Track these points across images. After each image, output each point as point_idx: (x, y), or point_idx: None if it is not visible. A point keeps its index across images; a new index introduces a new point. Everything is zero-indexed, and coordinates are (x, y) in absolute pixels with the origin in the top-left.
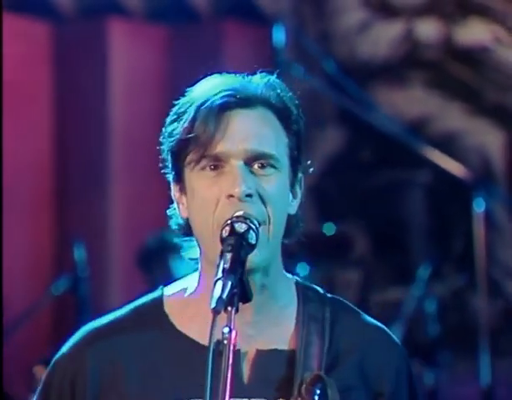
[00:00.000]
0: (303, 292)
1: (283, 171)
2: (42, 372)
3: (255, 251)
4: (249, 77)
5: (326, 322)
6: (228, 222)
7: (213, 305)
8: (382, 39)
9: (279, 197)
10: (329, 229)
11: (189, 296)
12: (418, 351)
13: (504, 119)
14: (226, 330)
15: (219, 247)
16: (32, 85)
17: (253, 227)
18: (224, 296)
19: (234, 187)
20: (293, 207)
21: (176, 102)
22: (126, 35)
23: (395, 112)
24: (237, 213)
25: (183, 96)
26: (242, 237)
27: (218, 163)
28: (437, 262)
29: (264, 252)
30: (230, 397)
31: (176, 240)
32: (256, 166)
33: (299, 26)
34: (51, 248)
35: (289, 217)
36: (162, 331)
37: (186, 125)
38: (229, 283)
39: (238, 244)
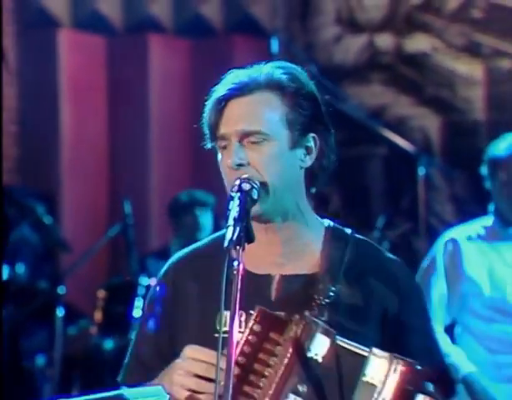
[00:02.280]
0: (332, 232)
1: (278, 138)
2: (103, 294)
3: (257, 204)
4: (261, 65)
5: (347, 253)
6: (237, 181)
7: (226, 245)
8: (351, 48)
9: (272, 161)
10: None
11: None
12: None
13: (440, 108)
14: (235, 263)
15: None
16: (91, 85)
17: (255, 186)
18: (234, 238)
19: (229, 160)
20: (306, 161)
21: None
22: (160, 46)
23: (361, 102)
24: (243, 176)
25: (205, 93)
26: (247, 193)
27: (225, 142)
28: (390, 214)
29: (264, 206)
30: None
31: (202, 196)
32: (247, 141)
33: (290, 38)
34: (106, 203)
35: (306, 169)
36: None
37: (205, 115)
38: (237, 229)
39: (243, 199)
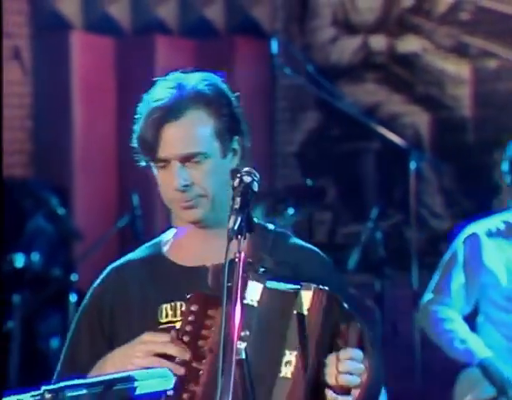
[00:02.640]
0: (256, 226)
1: (213, 153)
2: None
3: (198, 212)
4: (184, 78)
5: (269, 243)
6: (238, 175)
7: (228, 234)
8: (346, 49)
9: (212, 175)
10: (309, 183)
11: (174, 237)
12: (370, 267)
13: (430, 105)
14: (237, 254)
15: (176, 214)
16: (100, 83)
17: (256, 179)
18: (236, 228)
19: (174, 182)
20: (234, 162)
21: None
22: (166, 46)
23: (355, 100)
24: (245, 169)
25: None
26: (248, 185)
27: (164, 164)
28: (383, 205)
29: (206, 215)
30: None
31: None
32: (188, 162)
33: (289, 39)
34: (115, 196)
35: (233, 169)
36: (159, 262)
37: (136, 136)
38: (239, 219)
39: (245, 191)
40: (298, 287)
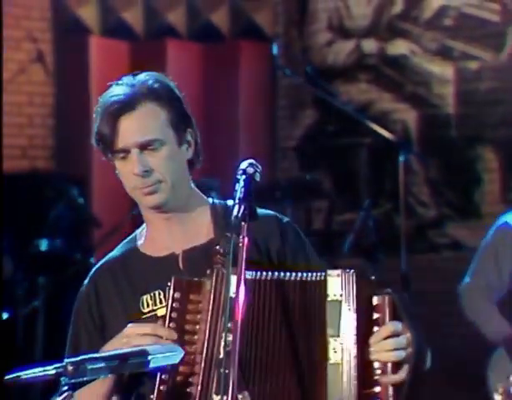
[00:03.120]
0: (215, 206)
1: (168, 141)
2: None
3: (157, 197)
4: (134, 78)
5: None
6: (241, 167)
7: (233, 221)
8: (341, 51)
9: (169, 161)
10: (308, 175)
11: (146, 230)
12: (363, 252)
13: (417, 103)
14: (241, 237)
15: (139, 201)
16: None
17: (258, 170)
18: (239, 215)
19: (134, 169)
20: (189, 153)
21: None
22: (176, 49)
23: (349, 98)
24: (248, 160)
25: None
26: (250, 176)
27: (124, 154)
28: (375, 195)
29: (165, 200)
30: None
31: (206, 182)
32: (146, 150)
33: (288, 43)
34: None
35: (190, 159)
36: (134, 256)
37: (95, 130)
38: (242, 207)
39: (247, 181)
40: (324, 274)
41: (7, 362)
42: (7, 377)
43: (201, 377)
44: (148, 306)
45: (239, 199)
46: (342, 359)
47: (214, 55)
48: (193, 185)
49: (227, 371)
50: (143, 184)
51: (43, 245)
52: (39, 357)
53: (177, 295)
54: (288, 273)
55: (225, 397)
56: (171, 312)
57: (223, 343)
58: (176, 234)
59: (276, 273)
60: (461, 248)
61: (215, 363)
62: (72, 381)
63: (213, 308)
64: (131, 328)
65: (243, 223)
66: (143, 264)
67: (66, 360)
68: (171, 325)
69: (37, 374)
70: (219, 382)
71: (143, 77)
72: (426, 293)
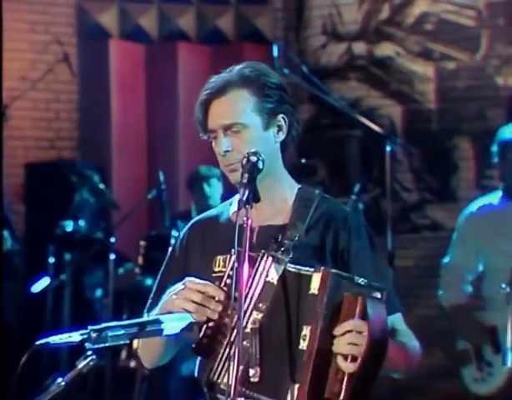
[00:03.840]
0: (303, 191)
1: (253, 124)
2: (143, 243)
3: (238, 172)
4: (233, 68)
5: (313, 206)
6: (246, 154)
7: (237, 204)
8: (333, 53)
9: (250, 143)
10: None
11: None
12: None
13: (402, 99)
14: (245, 219)
15: (227, 174)
16: (133, 82)
17: (260, 158)
18: (244, 199)
19: (217, 148)
20: (280, 137)
21: None
22: (187, 51)
23: (341, 95)
24: (252, 150)
25: None
26: (254, 164)
27: (214, 134)
28: (364, 181)
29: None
30: (250, 251)
31: (205, 171)
32: (230, 131)
33: (287, 45)
34: (146, 173)
35: (281, 142)
36: (222, 219)
37: (195, 114)
38: (247, 191)
39: (251, 168)
40: (313, 269)
41: (39, 329)
42: (37, 342)
43: (226, 341)
44: (218, 266)
45: (244, 184)
46: (307, 346)
47: (221, 56)
48: (283, 167)
49: (248, 344)
50: (226, 162)
51: (69, 226)
52: (66, 324)
53: (234, 264)
54: (303, 268)
55: (241, 367)
56: (226, 278)
57: (252, 319)
58: (259, 210)
59: (299, 267)
60: (439, 229)
61: (241, 334)
62: (95, 346)
63: (250, 286)
64: (189, 282)
65: (247, 206)
66: (226, 228)
67: (90, 327)
68: (223, 288)
69: (64, 340)
70: (239, 352)
71: (241, 66)
72: (409, 269)
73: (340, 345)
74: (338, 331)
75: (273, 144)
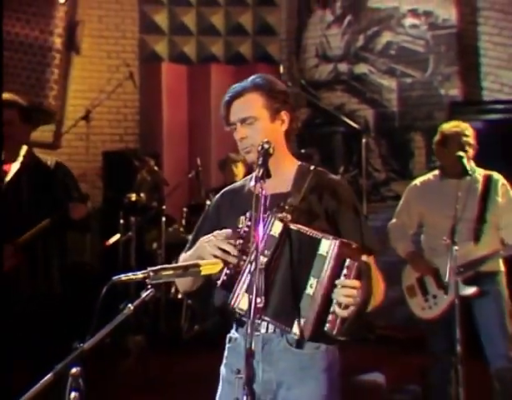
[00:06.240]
0: (301, 167)
1: (262, 118)
2: (186, 210)
3: (251, 154)
4: (248, 79)
5: (308, 178)
6: (261, 143)
7: (254, 180)
8: (324, 71)
9: (260, 132)
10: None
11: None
12: None
13: (374, 105)
14: (260, 190)
15: (245, 156)
16: (179, 94)
17: (271, 145)
18: (259, 175)
19: (237, 136)
20: (283, 127)
21: None
22: (217, 71)
23: (329, 102)
24: (265, 140)
25: None
26: (266, 150)
27: (234, 126)
28: (346, 165)
29: (255, 155)
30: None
31: (234, 157)
32: (245, 123)
33: (290, 65)
34: (187, 158)
35: (285, 131)
36: (244, 189)
37: (220, 112)
38: (262, 170)
39: (264, 153)
40: (320, 234)
41: (113, 270)
42: (114, 278)
43: (240, 277)
44: (242, 223)
45: (259, 165)
46: (313, 293)
47: (242, 73)
48: (287, 150)
49: (256, 280)
50: (242, 146)
51: (133, 197)
52: (132, 267)
53: (248, 222)
54: (306, 229)
55: (251, 296)
56: (242, 233)
57: (259, 262)
58: (270, 182)
59: (301, 227)
60: (400, 199)
61: (252, 272)
62: (153, 282)
63: (261, 238)
64: (217, 233)
65: (262, 181)
66: (248, 196)
67: (148, 268)
68: (239, 241)
69: (131, 277)
70: (249, 285)
71: (254, 76)
72: (378, 228)
73: (338, 295)
74: (339, 283)
75: (279, 133)
